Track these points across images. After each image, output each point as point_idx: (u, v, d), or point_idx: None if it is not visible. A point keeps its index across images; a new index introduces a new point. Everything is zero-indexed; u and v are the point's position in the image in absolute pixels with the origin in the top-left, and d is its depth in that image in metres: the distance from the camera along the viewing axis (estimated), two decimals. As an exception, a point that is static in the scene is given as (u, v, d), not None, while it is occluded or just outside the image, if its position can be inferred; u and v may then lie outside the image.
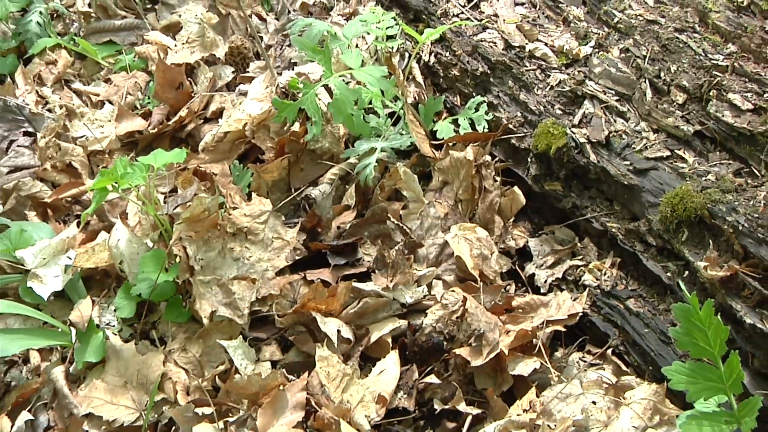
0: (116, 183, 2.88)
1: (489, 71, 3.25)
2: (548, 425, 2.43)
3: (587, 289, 2.83)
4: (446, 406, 2.63)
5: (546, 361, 2.70)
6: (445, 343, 2.73)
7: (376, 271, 2.95)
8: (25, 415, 2.83)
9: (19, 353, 3.03)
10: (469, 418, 2.60)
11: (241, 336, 2.88)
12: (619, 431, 2.42)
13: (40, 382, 2.93)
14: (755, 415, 1.90)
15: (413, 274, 2.90)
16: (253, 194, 3.21)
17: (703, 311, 1.88)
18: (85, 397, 2.79)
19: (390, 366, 2.69)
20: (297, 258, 3.07)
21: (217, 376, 2.79)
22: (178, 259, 2.94)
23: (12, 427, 2.80)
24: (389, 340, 2.79)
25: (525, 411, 2.50)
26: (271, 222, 3.07)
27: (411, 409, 2.63)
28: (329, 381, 2.64)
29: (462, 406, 2.62)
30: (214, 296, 2.91)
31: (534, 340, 2.73)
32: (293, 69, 3.77)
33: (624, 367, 2.69)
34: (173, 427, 2.72)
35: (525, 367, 2.66)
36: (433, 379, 2.69)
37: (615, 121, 2.86)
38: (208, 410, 2.67)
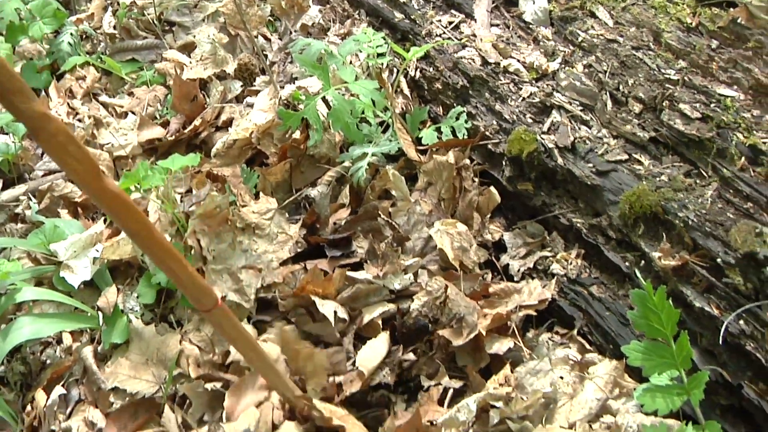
0: (138, 184, 2.90)
1: (468, 84, 3.25)
2: (521, 397, 2.43)
3: (555, 277, 2.83)
4: (432, 382, 2.63)
5: (519, 341, 2.71)
6: (430, 325, 2.73)
7: (368, 262, 2.94)
8: (59, 390, 2.84)
9: (53, 335, 3.04)
10: (451, 390, 2.61)
11: (247, 318, 2.88)
12: (583, 402, 2.42)
13: (72, 360, 2.93)
14: (703, 388, 1.90)
15: (401, 264, 2.89)
16: (261, 193, 3.22)
17: (657, 296, 1.88)
18: (111, 373, 2.79)
19: (380, 345, 2.69)
20: (298, 250, 3.06)
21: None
22: (192, 252, 2.94)
23: (47, 399, 2.81)
24: (380, 322, 2.79)
25: (501, 385, 2.50)
26: (276, 218, 3.08)
27: (391, 383, 2.64)
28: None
29: (445, 381, 2.63)
30: (225, 283, 2.91)
31: (508, 322, 2.74)
32: (294, 83, 3.76)
33: (588, 346, 2.70)
34: (188, 399, 2.73)
35: (500, 346, 2.66)
36: (417, 357, 2.69)
37: (579, 128, 2.86)
38: (217, 384, 2.68)
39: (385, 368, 2.67)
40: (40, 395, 2.84)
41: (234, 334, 2.14)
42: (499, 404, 2.40)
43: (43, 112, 1.46)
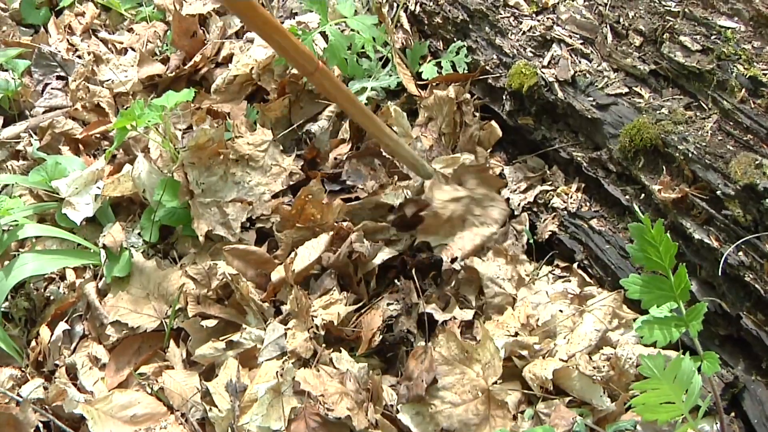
0: (134, 123, 2.89)
1: (468, 19, 3.21)
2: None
3: (555, 210, 2.83)
4: (446, 316, 2.62)
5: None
6: (443, 260, 2.72)
7: (364, 187, 2.94)
8: (62, 325, 2.85)
9: (56, 271, 3.04)
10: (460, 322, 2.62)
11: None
12: (583, 334, 2.43)
13: (75, 296, 2.94)
14: (701, 319, 1.90)
15: (397, 184, 2.89)
16: (257, 125, 3.21)
17: (655, 229, 1.87)
18: (112, 307, 2.80)
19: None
20: (291, 183, 3.06)
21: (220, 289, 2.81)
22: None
23: (51, 335, 2.82)
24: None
25: (523, 325, 2.50)
26: (271, 150, 3.08)
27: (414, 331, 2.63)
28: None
29: (456, 312, 2.64)
30: (212, 216, 2.93)
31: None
32: (294, 18, 3.73)
33: (588, 279, 2.70)
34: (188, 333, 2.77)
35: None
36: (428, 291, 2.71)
37: (580, 62, 2.84)
38: (212, 323, 2.70)
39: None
40: (44, 331, 2.84)
41: (335, 91, 2.42)
42: (525, 353, 2.42)
43: None
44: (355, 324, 2.63)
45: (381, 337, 2.55)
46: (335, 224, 2.81)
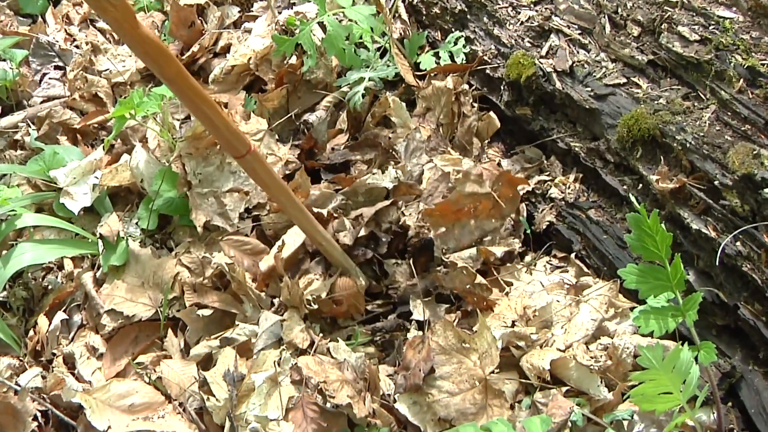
0: (133, 111, 2.88)
1: (466, 9, 3.21)
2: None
3: (553, 201, 2.82)
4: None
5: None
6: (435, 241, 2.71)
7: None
8: (60, 315, 2.84)
9: (54, 261, 3.03)
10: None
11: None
12: (580, 324, 2.42)
13: (73, 286, 2.93)
14: (697, 309, 1.89)
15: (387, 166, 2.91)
16: (252, 114, 3.20)
17: (651, 220, 1.87)
18: (108, 296, 2.80)
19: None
20: (287, 172, 3.05)
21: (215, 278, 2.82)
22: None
23: (49, 324, 2.82)
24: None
25: (520, 315, 2.50)
26: (266, 139, 3.07)
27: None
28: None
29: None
30: (210, 207, 2.93)
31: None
32: (292, 8, 3.72)
33: (585, 269, 2.70)
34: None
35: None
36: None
37: (578, 52, 2.83)
38: (207, 312, 2.70)
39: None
40: (42, 320, 2.84)
41: (267, 179, 2.25)
42: (522, 343, 2.41)
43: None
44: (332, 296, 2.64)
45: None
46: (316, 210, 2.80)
